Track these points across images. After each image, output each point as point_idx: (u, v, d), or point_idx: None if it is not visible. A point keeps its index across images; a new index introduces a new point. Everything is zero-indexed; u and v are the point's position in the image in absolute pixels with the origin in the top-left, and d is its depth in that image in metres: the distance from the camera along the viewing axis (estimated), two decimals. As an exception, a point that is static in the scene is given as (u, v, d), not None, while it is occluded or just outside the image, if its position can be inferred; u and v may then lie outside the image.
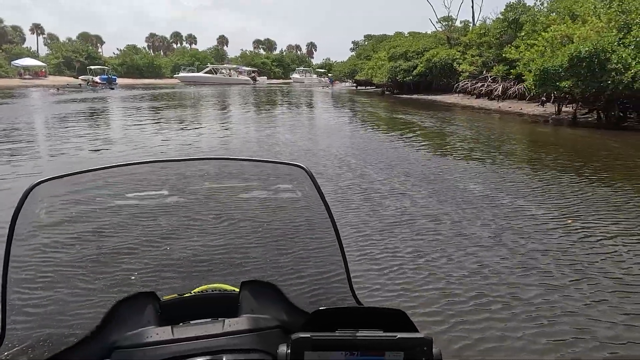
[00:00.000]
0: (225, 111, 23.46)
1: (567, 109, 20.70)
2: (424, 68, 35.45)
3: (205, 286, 1.18)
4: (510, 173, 8.57)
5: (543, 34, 16.97)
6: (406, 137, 13.36)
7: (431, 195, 6.87)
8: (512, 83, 26.37)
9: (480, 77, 29.93)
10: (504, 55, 26.22)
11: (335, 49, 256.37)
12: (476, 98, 29.04)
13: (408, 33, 56.88)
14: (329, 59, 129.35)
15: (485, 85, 27.98)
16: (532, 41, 18.28)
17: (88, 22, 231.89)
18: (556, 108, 17.98)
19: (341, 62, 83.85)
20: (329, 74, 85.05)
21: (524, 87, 24.87)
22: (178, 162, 1.30)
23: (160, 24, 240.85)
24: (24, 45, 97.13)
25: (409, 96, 36.46)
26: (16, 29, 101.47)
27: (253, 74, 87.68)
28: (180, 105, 26.37)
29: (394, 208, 6.21)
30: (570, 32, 16.07)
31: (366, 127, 16.53)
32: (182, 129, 15.49)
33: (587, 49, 14.10)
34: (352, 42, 79.48)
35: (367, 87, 56.93)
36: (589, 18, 16.45)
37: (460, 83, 32.48)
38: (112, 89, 55.57)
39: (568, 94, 15.75)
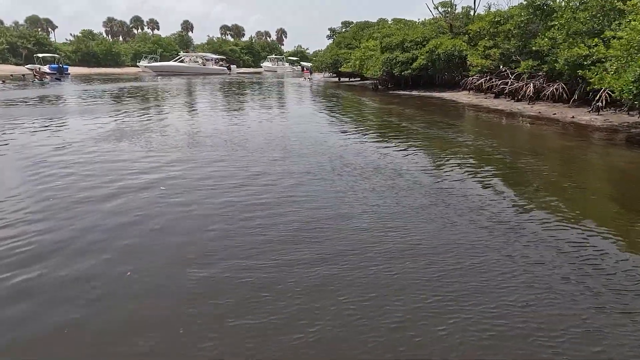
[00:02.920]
0: (221, 125, 18.38)
1: (615, 116, 16.74)
2: (425, 60, 31.06)
3: None
4: None
5: (634, 22, 12.70)
6: (462, 178, 8.92)
7: None
8: (541, 81, 22.34)
9: (498, 72, 25.78)
10: (532, 47, 22.14)
11: (307, 35, 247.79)
12: (495, 98, 24.86)
13: (392, 20, 52.66)
14: (301, 46, 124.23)
15: (509, 83, 23.77)
16: (610, 32, 14.01)
17: (39, 5, 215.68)
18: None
19: (320, 51, 78.66)
20: (309, 64, 79.76)
21: (562, 88, 20.93)
22: None
23: (119, 7, 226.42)
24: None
25: (408, 92, 32.05)
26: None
27: (228, 64, 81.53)
28: (163, 112, 20.65)
29: None
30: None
31: (382, 151, 11.99)
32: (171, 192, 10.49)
33: None
34: (329, 29, 74.00)
35: (351, 80, 52.27)
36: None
37: (470, 78, 28.34)
38: (61, 80, 48.79)
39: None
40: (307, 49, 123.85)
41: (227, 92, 35.08)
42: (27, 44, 74.98)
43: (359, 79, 49.44)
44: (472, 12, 35.19)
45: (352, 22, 69.35)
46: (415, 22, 42.38)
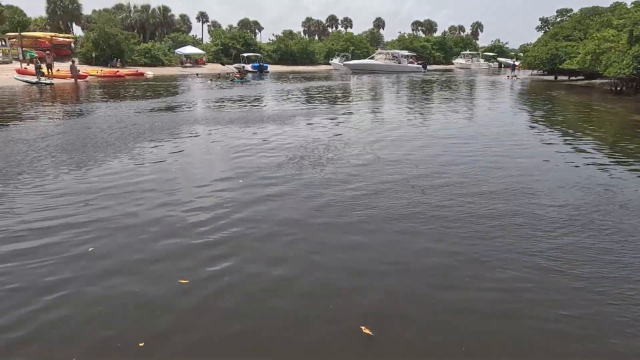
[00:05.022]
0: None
1: None
2: None
3: None
4: None
5: None
6: None
7: None
8: None
9: None
10: None
11: (506, 28, 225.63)
12: None
13: (632, 3, 42.01)
14: (499, 41, 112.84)
15: None
16: None
17: (250, 9, 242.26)
18: None
19: (528, 45, 69.04)
20: (509, 60, 70.82)
21: None
22: None
23: (316, 8, 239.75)
24: (190, 34, 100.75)
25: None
26: (183, 17, 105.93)
27: (423, 61, 77.58)
28: (361, 127, 15.98)
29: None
30: None
31: None
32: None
33: None
34: (540, 20, 64.02)
35: (571, 78, 43.46)
36: None
37: None
38: (261, 78, 51.06)
39: None
40: (506, 43, 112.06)
41: (426, 98, 31.09)
42: (237, 44, 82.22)
43: (582, 77, 40.51)
44: None
45: (571, 10, 58.74)
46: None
